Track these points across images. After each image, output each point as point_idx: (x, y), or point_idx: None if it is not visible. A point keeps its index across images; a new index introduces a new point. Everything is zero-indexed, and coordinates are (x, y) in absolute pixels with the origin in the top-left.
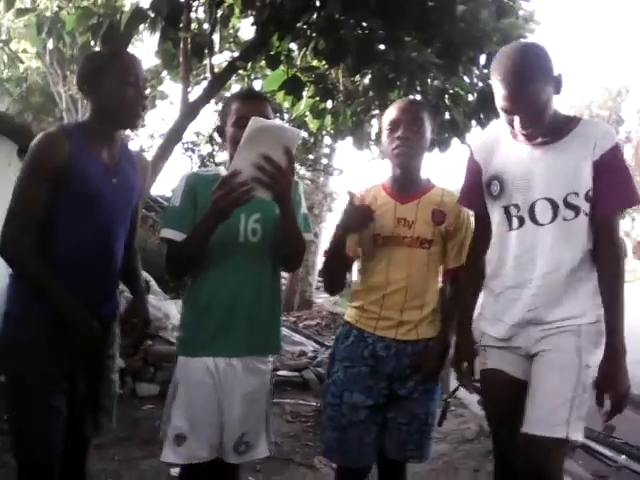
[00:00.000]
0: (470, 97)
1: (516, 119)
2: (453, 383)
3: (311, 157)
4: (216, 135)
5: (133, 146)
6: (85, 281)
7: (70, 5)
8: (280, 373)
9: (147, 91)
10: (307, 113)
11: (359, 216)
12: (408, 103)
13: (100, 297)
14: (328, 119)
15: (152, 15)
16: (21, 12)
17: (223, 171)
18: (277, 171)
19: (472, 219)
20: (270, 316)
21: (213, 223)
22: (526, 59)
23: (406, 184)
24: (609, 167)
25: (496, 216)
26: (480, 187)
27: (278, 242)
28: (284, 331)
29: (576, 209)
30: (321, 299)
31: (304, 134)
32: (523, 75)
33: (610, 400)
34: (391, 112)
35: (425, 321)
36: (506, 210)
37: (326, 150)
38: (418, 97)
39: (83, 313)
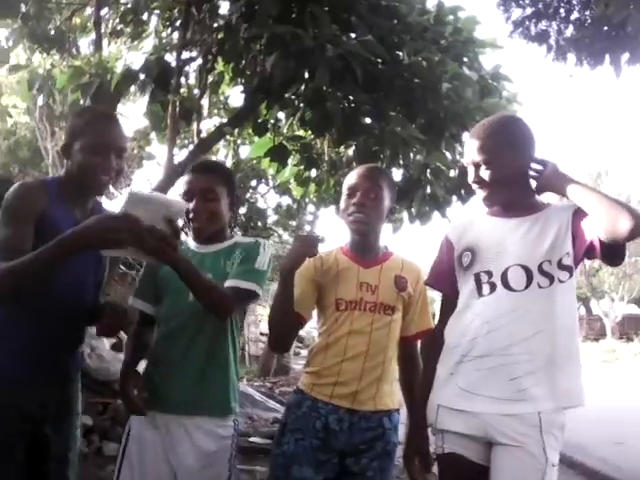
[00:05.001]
0: (452, 173)
1: (478, 190)
2: None
3: (294, 223)
4: None
5: (116, 204)
6: (52, 328)
7: (63, 64)
8: (252, 439)
9: (121, 161)
10: (291, 180)
11: (304, 242)
12: (367, 170)
13: (67, 346)
14: (312, 187)
15: (142, 77)
16: (15, 68)
17: (190, 242)
18: (160, 241)
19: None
20: (221, 377)
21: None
22: (490, 130)
23: (367, 249)
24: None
25: (466, 285)
26: (450, 267)
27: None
28: (258, 397)
29: (550, 277)
30: (299, 365)
31: (288, 200)
32: (483, 145)
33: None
34: (350, 178)
35: (382, 392)
36: (477, 277)
37: (309, 217)
38: (400, 170)
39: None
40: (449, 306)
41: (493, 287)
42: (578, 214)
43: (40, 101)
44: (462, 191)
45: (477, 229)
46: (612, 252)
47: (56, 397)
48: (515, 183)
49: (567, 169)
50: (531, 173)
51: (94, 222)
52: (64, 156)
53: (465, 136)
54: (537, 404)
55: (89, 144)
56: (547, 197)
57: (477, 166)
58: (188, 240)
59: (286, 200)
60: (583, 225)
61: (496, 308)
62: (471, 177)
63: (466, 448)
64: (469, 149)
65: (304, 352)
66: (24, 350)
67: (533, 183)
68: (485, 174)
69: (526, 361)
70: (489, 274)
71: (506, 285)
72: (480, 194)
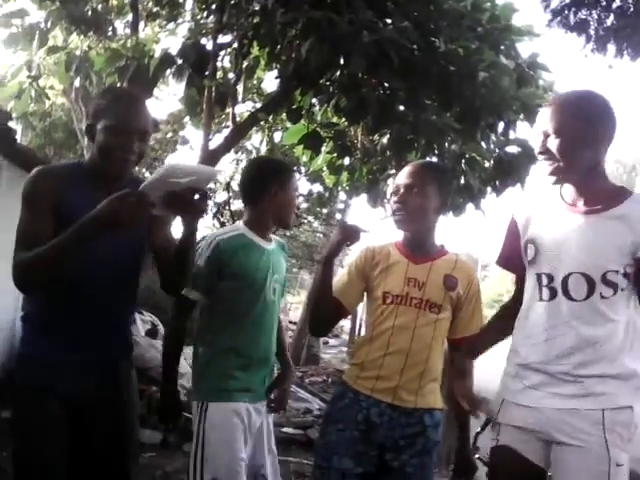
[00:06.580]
0: (486, 164)
1: (541, 144)
2: None
3: (325, 211)
4: (233, 183)
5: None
6: (86, 314)
7: (100, 46)
8: (285, 430)
9: (144, 144)
10: (324, 168)
11: (345, 231)
12: (411, 166)
13: (105, 331)
14: (344, 175)
15: (179, 62)
16: (52, 50)
17: (243, 228)
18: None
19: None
20: (273, 366)
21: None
22: (567, 100)
23: (418, 246)
24: None
25: (528, 282)
26: (518, 249)
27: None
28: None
29: (614, 286)
30: (328, 355)
31: (319, 188)
32: (556, 113)
33: None
34: (397, 176)
35: (424, 390)
36: (538, 277)
37: (341, 205)
38: (434, 159)
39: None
40: (522, 283)
41: (553, 293)
42: None
43: (77, 83)
44: (497, 182)
45: (543, 218)
46: None
47: (97, 383)
48: (586, 165)
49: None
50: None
51: (101, 207)
52: (87, 137)
53: (501, 126)
54: (601, 402)
55: (110, 126)
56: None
57: (546, 135)
58: (245, 232)
59: (317, 188)
60: None
61: (555, 316)
62: (538, 147)
63: (520, 442)
64: (541, 117)
65: (333, 341)
66: (59, 337)
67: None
68: (553, 144)
69: (588, 367)
70: (549, 278)
71: (566, 293)
72: (545, 167)
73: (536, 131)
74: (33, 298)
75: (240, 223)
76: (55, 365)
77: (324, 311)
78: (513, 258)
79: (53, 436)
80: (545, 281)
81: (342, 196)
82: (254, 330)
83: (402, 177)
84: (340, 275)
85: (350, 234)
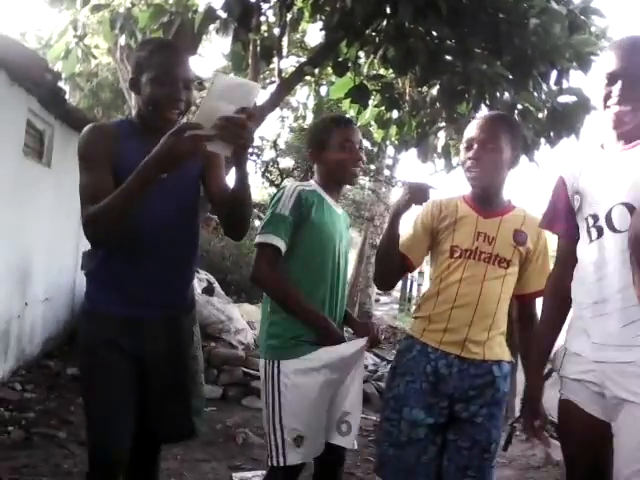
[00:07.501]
0: (540, 114)
1: (616, 87)
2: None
3: (373, 167)
4: (280, 142)
5: None
6: (137, 271)
7: (142, 2)
8: None
9: (189, 92)
10: (372, 122)
11: (413, 191)
12: (484, 120)
13: (165, 286)
14: (393, 129)
15: (223, 16)
16: (96, 8)
17: (316, 186)
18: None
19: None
20: None
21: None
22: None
23: (488, 200)
24: None
25: (580, 231)
26: (564, 209)
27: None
28: None
29: None
30: (380, 312)
31: (366, 144)
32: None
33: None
34: (469, 129)
35: (492, 342)
36: (586, 222)
37: (389, 161)
38: (487, 111)
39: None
40: (565, 251)
41: (600, 231)
42: None
43: (122, 41)
44: (551, 133)
45: (588, 169)
46: None
47: (159, 338)
48: None
49: None
50: None
51: (159, 145)
52: (133, 91)
53: (553, 75)
54: None
55: (155, 77)
56: None
57: (619, 78)
58: (317, 189)
59: (365, 143)
60: None
61: (603, 252)
62: (616, 91)
63: (578, 395)
64: (612, 59)
65: (384, 299)
66: (120, 292)
67: None
68: (631, 87)
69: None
70: (595, 218)
71: (611, 227)
72: (613, 113)
73: (607, 70)
74: (95, 254)
75: (312, 181)
76: (117, 320)
77: (391, 266)
78: (557, 217)
79: (119, 386)
80: (591, 222)
81: (390, 151)
82: (325, 288)
83: (474, 131)
84: (406, 230)
85: (419, 194)
